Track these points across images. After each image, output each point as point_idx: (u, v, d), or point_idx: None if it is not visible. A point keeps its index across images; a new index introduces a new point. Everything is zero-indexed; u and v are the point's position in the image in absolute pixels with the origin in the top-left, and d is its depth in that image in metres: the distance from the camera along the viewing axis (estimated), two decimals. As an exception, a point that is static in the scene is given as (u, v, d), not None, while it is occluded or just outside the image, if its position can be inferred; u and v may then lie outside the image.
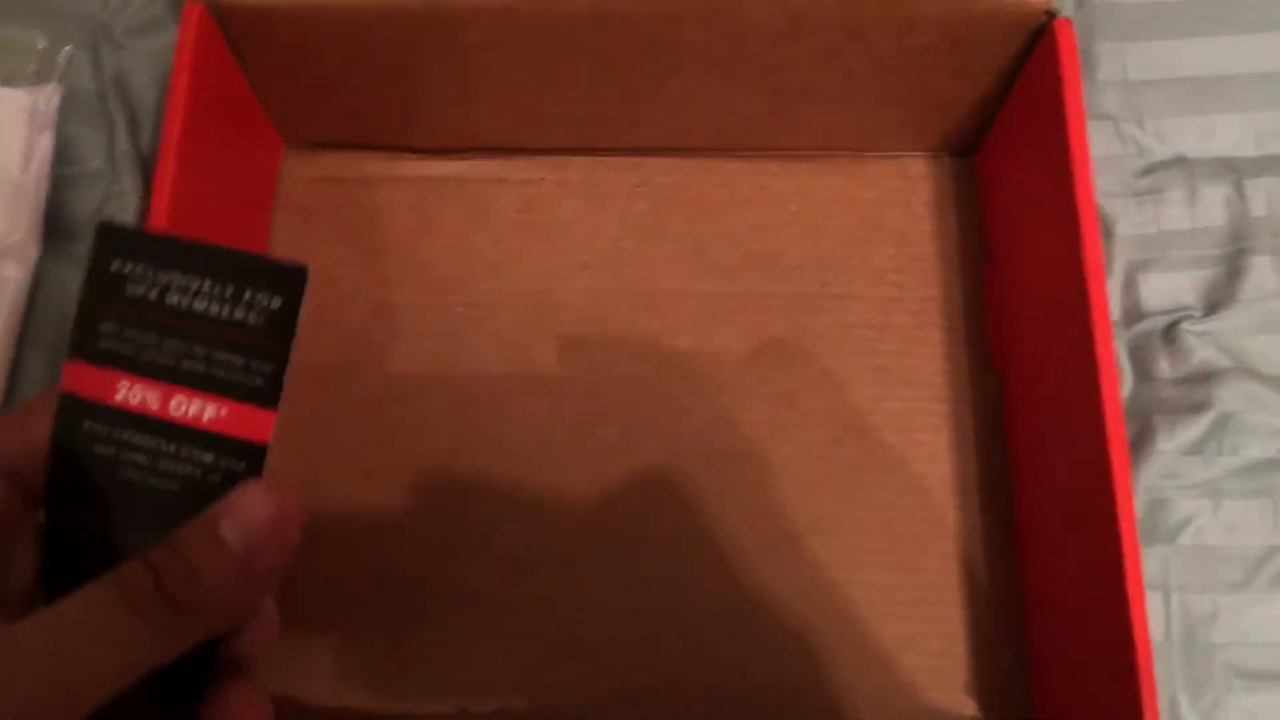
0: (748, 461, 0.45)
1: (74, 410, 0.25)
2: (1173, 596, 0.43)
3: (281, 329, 0.24)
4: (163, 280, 0.24)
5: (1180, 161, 0.49)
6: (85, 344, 0.25)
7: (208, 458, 0.24)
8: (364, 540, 0.44)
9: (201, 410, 0.24)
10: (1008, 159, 0.45)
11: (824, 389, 0.46)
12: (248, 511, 0.23)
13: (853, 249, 0.48)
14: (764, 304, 0.47)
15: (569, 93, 0.45)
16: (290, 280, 0.24)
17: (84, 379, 0.25)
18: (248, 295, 0.24)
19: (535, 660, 0.43)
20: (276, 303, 0.24)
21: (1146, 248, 0.48)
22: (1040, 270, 0.41)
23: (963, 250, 0.48)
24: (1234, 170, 0.49)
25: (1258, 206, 0.48)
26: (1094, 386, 0.36)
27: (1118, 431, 0.36)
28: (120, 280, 0.24)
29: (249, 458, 0.24)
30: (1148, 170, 0.49)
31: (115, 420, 0.25)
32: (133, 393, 0.24)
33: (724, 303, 0.47)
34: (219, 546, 0.23)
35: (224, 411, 0.24)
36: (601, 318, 0.47)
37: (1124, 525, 0.35)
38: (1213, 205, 0.48)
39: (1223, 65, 0.51)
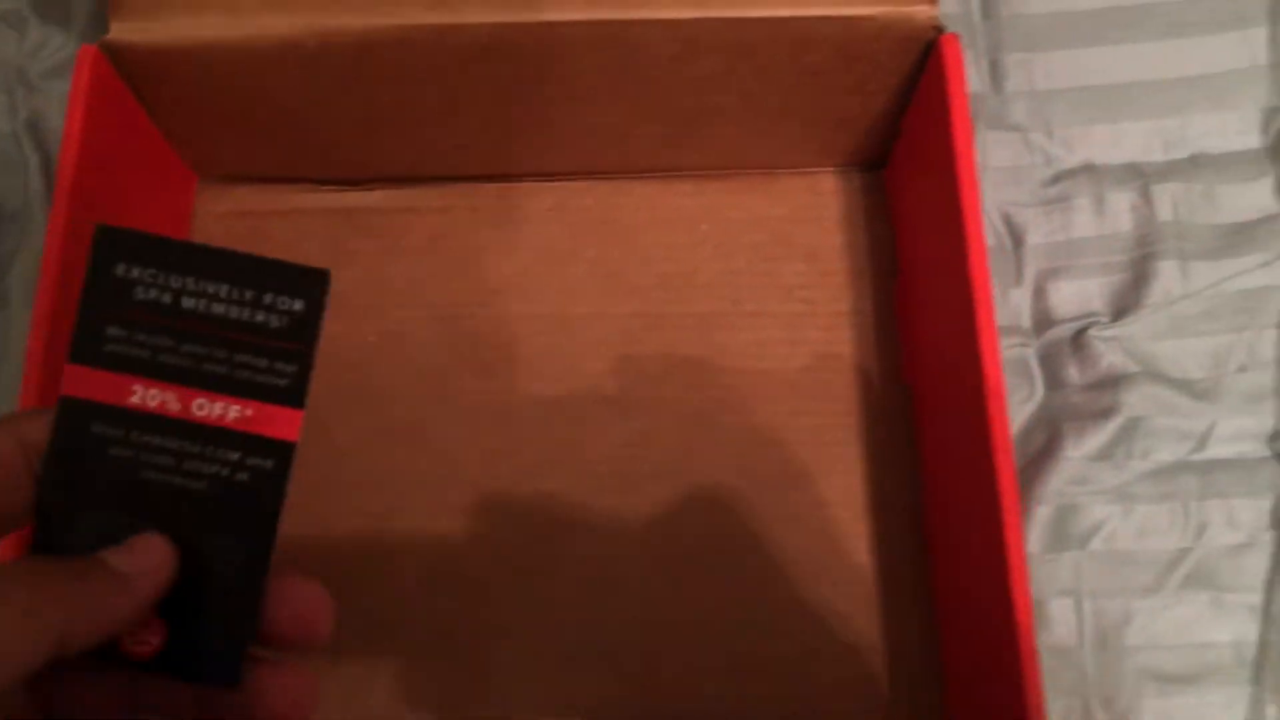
0: (663, 481, 0.45)
1: (80, 414, 0.25)
2: (1085, 602, 0.44)
3: (305, 331, 0.25)
4: (176, 284, 0.25)
5: (1088, 169, 0.50)
6: (89, 348, 0.25)
7: (234, 456, 0.25)
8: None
9: (226, 411, 0.25)
10: (910, 172, 0.46)
11: (737, 406, 0.46)
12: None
13: (764, 266, 0.49)
14: (677, 324, 0.48)
15: (473, 121, 0.45)
16: (311, 283, 0.25)
17: (91, 383, 0.25)
18: (268, 299, 0.25)
19: (445, 686, 0.43)
20: (298, 305, 0.25)
21: (1056, 256, 0.49)
22: (936, 282, 0.42)
23: (873, 264, 0.48)
24: (1141, 176, 0.49)
25: (1164, 211, 0.48)
26: (980, 398, 0.36)
27: (1004, 443, 0.36)
28: (127, 285, 0.25)
29: (277, 455, 0.25)
30: (1056, 179, 0.50)
31: (132, 423, 0.25)
32: (150, 395, 0.25)
33: (637, 324, 0.48)
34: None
35: (249, 411, 0.25)
36: (516, 342, 0.47)
37: (1010, 535, 0.35)
38: (1120, 211, 0.49)
39: (1129, 72, 0.51)
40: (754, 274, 0.48)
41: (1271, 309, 0.47)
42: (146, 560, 0.24)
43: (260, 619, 0.25)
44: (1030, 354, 0.47)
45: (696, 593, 0.44)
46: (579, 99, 0.44)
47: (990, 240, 0.49)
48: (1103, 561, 0.44)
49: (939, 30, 0.41)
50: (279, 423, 0.25)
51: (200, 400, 0.25)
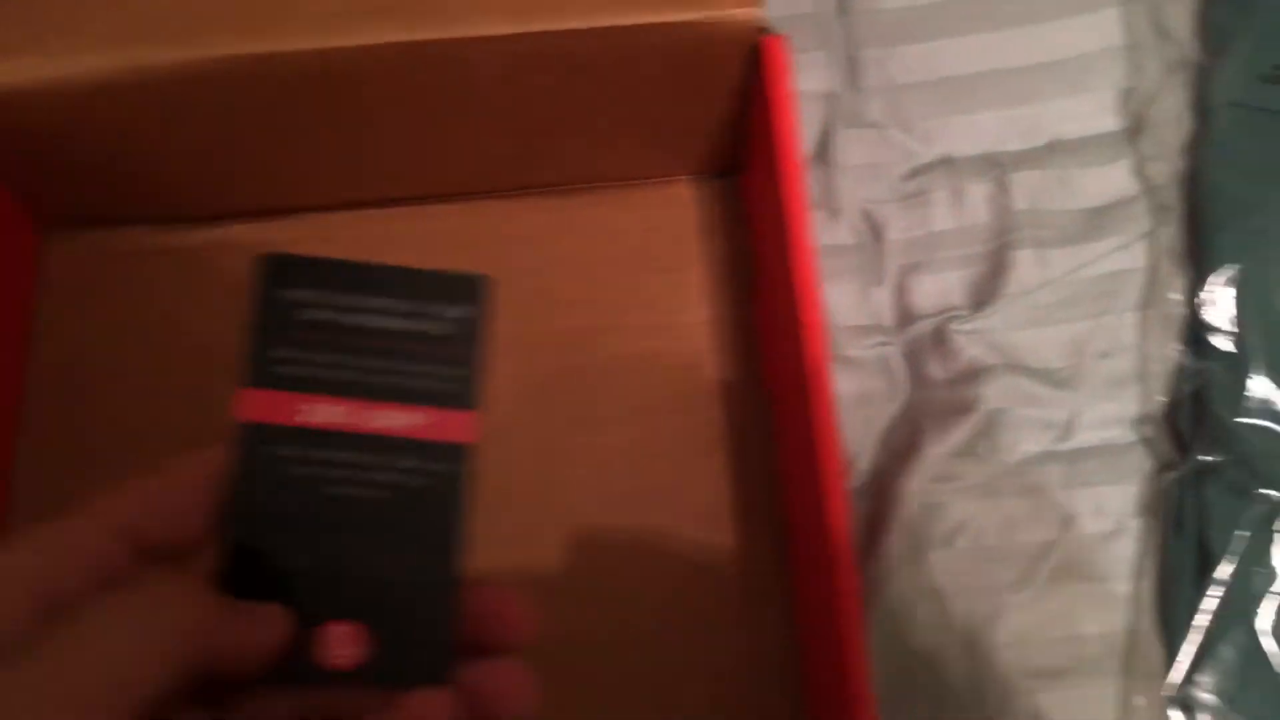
0: (524, 503, 0.44)
1: (259, 438, 0.25)
2: (951, 602, 0.43)
3: (469, 335, 0.26)
4: (339, 302, 0.26)
5: (945, 162, 0.49)
6: (262, 372, 0.26)
7: (412, 463, 0.26)
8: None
9: (399, 420, 0.26)
10: (758, 177, 0.45)
11: (600, 423, 0.46)
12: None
13: (623, 280, 0.48)
14: (536, 343, 0.47)
15: (310, 150, 0.44)
16: (472, 290, 0.27)
17: (266, 406, 0.26)
18: (431, 309, 0.26)
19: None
20: (460, 312, 0.26)
21: (916, 251, 0.48)
22: (778, 286, 0.41)
23: (732, 271, 0.48)
24: (997, 166, 0.49)
25: (1020, 200, 0.48)
26: (806, 401, 0.36)
27: (830, 450, 0.35)
28: (293, 307, 0.26)
29: (454, 458, 0.26)
30: (914, 174, 0.49)
31: (309, 441, 0.26)
32: (324, 412, 0.26)
33: (495, 345, 0.47)
34: None
35: (422, 418, 0.26)
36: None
37: (836, 542, 0.34)
38: (977, 202, 0.48)
39: (984, 62, 0.51)
40: (613, 288, 0.48)
41: (1130, 292, 0.46)
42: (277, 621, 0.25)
43: (461, 618, 0.26)
44: (893, 352, 0.46)
45: (558, 614, 0.43)
46: (415, 122, 0.43)
47: (851, 239, 0.48)
48: (969, 559, 0.43)
49: (763, 31, 0.40)
50: (453, 426, 0.26)
51: (373, 412, 0.26)
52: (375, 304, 0.26)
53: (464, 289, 0.27)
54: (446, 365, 0.26)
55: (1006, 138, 0.49)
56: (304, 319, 0.26)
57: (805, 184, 0.38)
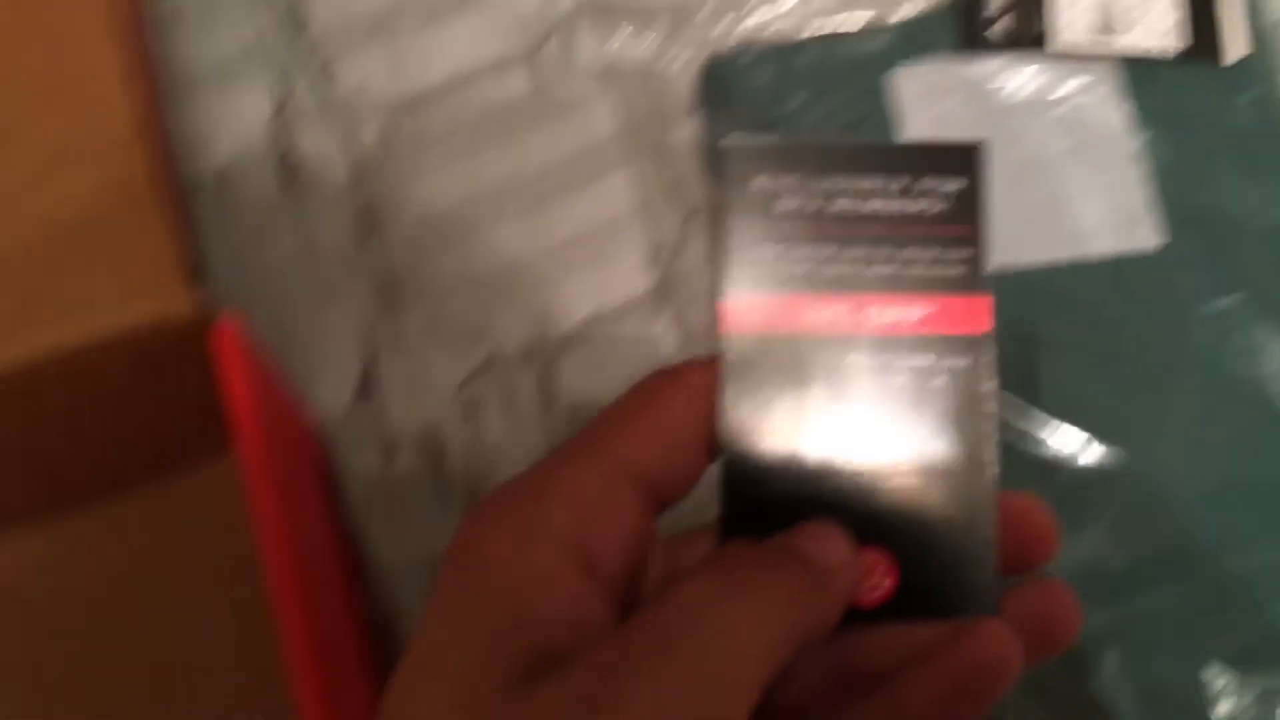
0: None
1: (750, 349, 0.22)
2: None
3: (970, 209, 0.23)
4: (819, 188, 0.23)
5: (491, 362, 0.47)
6: (741, 276, 0.23)
7: (925, 361, 0.23)
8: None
9: (905, 314, 0.23)
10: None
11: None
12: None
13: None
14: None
15: None
16: (968, 158, 0.23)
17: (754, 313, 0.22)
18: (923, 184, 0.23)
19: None
20: (955, 185, 0.23)
21: (481, 467, 0.46)
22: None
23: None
24: (542, 354, 0.47)
25: (567, 383, 0.46)
26: None
27: None
28: (767, 198, 0.23)
29: (974, 351, 0.23)
30: (466, 381, 0.47)
31: (807, 348, 0.22)
32: (820, 313, 0.22)
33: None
34: None
35: (931, 309, 0.23)
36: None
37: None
38: (530, 397, 0.46)
39: (511, 253, 0.49)
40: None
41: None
42: (840, 550, 0.22)
43: (999, 534, 0.22)
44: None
45: None
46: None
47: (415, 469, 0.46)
48: None
49: (206, 319, 0.37)
50: (966, 315, 0.23)
51: (875, 308, 0.23)
52: (861, 186, 0.23)
53: (958, 160, 0.23)
54: (950, 246, 0.23)
55: (549, 323, 0.48)
56: (782, 210, 0.23)
57: (272, 466, 0.35)
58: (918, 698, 0.22)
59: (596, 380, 0.47)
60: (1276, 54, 0.50)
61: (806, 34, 0.50)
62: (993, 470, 0.23)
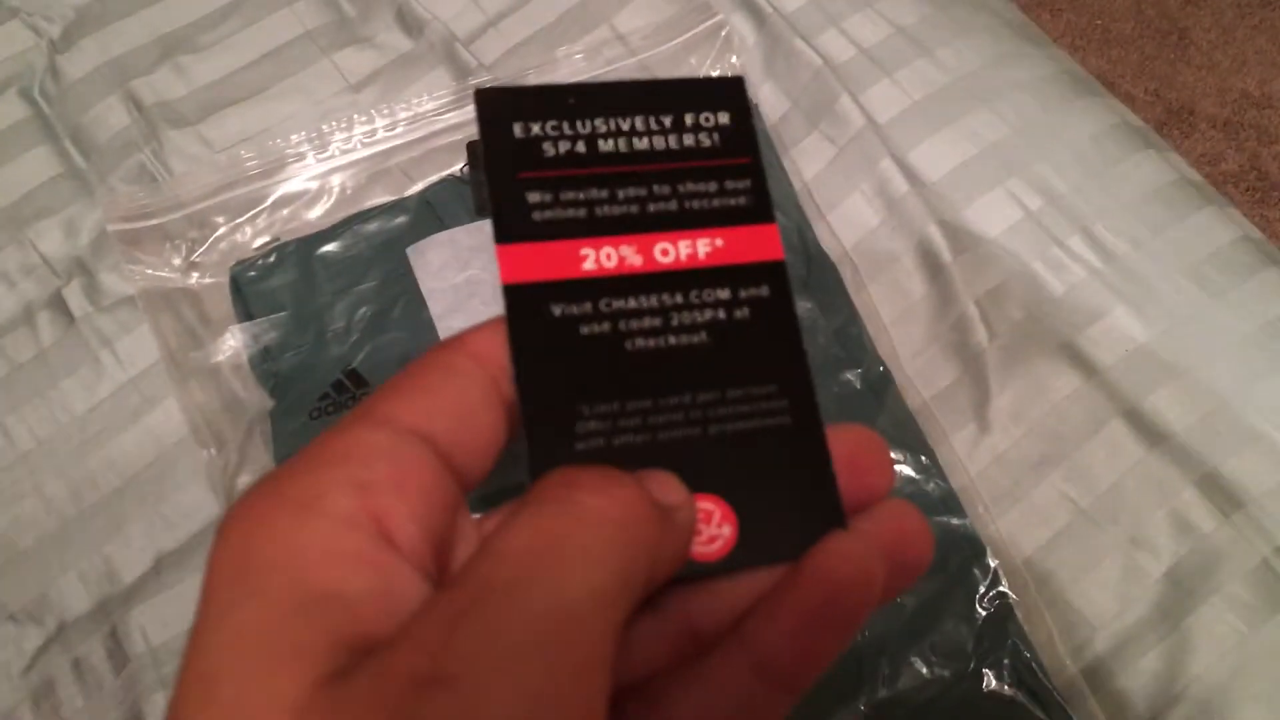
0: None
1: (532, 299, 0.20)
2: None
3: (742, 141, 0.22)
4: (585, 130, 0.21)
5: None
6: (515, 223, 0.21)
7: (724, 294, 0.21)
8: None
9: (694, 248, 0.21)
10: None
11: None
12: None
13: None
14: None
15: None
16: (731, 91, 0.22)
17: (532, 261, 0.20)
18: (689, 119, 0.22)
19: None
20: (724, 118, 0.22)
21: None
22: None
23: None
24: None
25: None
26: None
27: None
28: (531, 144, 0.21)
29: (770, 278, 0.21)
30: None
31: (596, 291, 0.20)
32: (605, 255, 0.21)
33: None
34: None
35: (720, 241, 0.21)
36: None
37: None
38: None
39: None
40: None
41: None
42: (678, 491, 0.19)
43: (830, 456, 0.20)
44: None
45: None
46: None
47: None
48: None
49: None
50: (756, 243, 0.22)
51: (662, 244, 0.21)
52: (628, 125, 0.22)
53: (722, 93, 0.22)
54: (728, 178, 0.22)
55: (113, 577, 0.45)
56: (550, 155, 0.21)
57: None
58: (772, 634, 0.19)
59: (178, 623, 0.45)
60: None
61: (329, 221, 0.49)
62: (812, 395, 0.21)
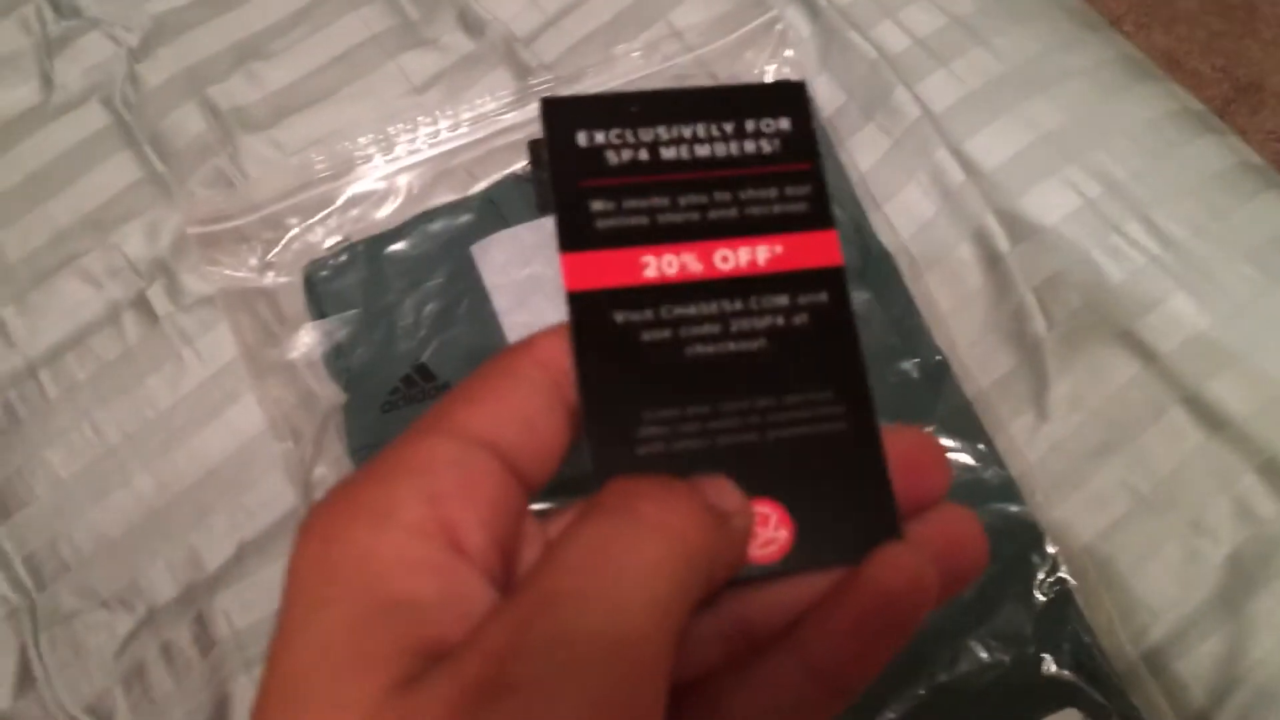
0: None
1: (596, 306, 0.21)
2: None
3: (803, 146, 0.22)
4: (648, 138, 0.22)
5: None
6: (579, 232, 0.21)
7: (783, 300, 0.21)
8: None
9: (754, 255, 0.21)
10: None
11: None
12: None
13: None
14: None
15: None
16: (792, 96, 0.22)
17: (595, 269, 0.21)
18: (750, 126, 0.22)
19: None
20: (785, 123, 0.22)
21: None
22: None
23: None
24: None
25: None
26: None
27: None
28: (595, 152, 0.21)
29: (829, 284, 0.22)
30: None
31: (657, 299, 0.21)
32: (666, 263, 0.21)
33: None
34: None
35: (779, 248, 0.22)
36: None
37: None
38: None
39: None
40: None
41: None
42: (735, 497, 0.19)
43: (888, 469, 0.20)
44: None
45: None
46: None
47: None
48: None
49: None
50: (815, 249, 0.22)
51: (722, 251, 0.21)
52: (690, 132, 0.22)
53: (783, 99, 0.22)
54: (789, 184, 0.22)
55: (198, 565, 0.47)
56: (614, 164, 0.22)
57: None
58: (826, 639, 0.19)
59: (260, 608, 0.47)
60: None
61: (396, 221, 0.51)
62: (869, 401, 0.21)
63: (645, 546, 0.17)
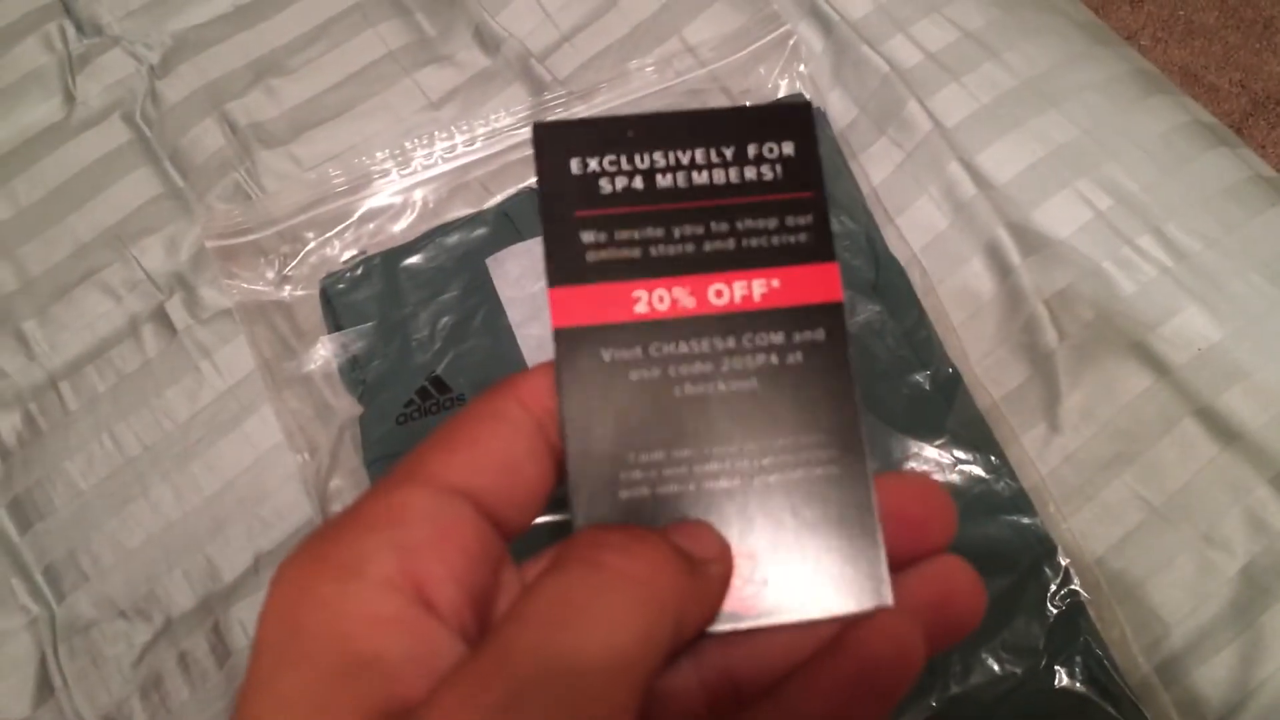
0: None
1: (583, 343, 0.20)
2: None
3: (806, 173, 0.21)
4: (643, 164, 0.21)
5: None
6: (569, 266, 0.20)
7: (778, 338, 0.20)
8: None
9: (749, 289, 0.20)
10: None
11: None
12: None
13: None
14: None
15: None
16: (797, 119, 0.21)
17: (584, 304, 0.20)
18: (752, 150, 0.21)
19: None
20: (789, 148, 0.21)
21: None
22: None
23: None
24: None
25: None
26: None
27: None
28: (588, 180, 0.21)
29: (827, 321, 0.20)
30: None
31: (647, 336, 0.20)
32: (656, 298, 0.20)
33: None
34: None
35: (776, 282, 0.21)
36: None
37: None
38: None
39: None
40: None
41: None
42: (713, 544, 0.19)
43: (885, 517, 0.20)
44: None
45: None
46: None
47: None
48: None
49: None
50: (815, 283, 0.21)
51: (717, 285, 0.20)
52: (687, 158, 0.21)
53: (787, 121, 0.21)
54: (789, 213, 0.21)
55: (215, 576, 0.48)
56: (606, 192, 0.21)
57: None
58: (812, 701, 0.19)
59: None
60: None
61: (412, 234, 0.51)
62: (864, 449, 0.20)
63: (608, 598, 0.17)
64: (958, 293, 0.49)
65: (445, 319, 0.49)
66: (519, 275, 0.49)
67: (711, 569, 0.19)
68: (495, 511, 0.19)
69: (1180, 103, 0.53)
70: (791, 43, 0.54)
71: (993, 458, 0.45)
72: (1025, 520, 0.43)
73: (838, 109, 0.54)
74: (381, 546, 0.18)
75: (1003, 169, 0.51)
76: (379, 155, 0.52)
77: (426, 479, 0.19)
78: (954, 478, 0.44)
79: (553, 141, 0.21)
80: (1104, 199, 0.49)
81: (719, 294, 0.21)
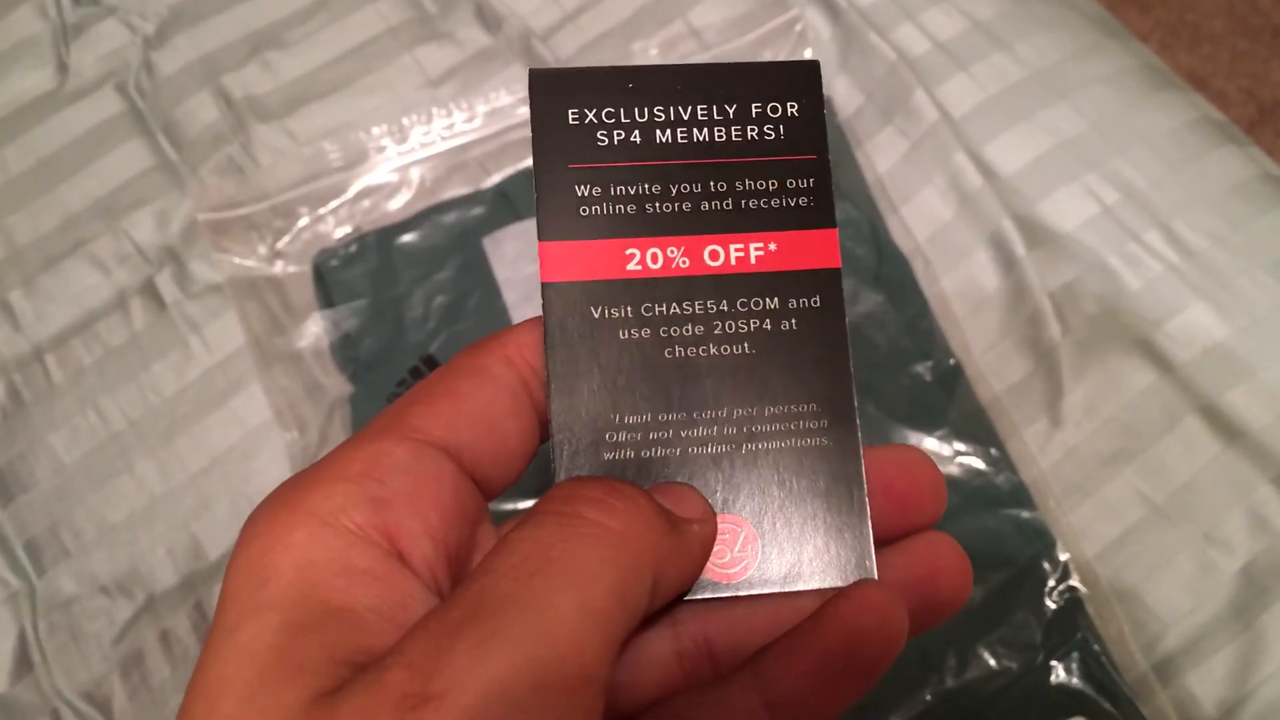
0: None
1: (573, 300, 0.19)
2: None
3: (810, 135, 0.20)
4: (641, 119, 0.20)
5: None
6: (561, 220, 0.20)
7: (773, 303, 0.20)
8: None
9: (745, 252, 0.20)
10: None
11: None
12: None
13: None
14: None
15: None
16: (804, 77, 0.20)
17: (575, 260, 0.19)
18: (756, 109, 0.20)
19: None
20: (794, 108, 0.20)
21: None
22: None
23: None
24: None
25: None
26: None
27: None
28: (585, 131, 0.20)
29: (823, 288, 0.20)
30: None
31: (639, 295, 0.20)
32: (650, 257, 0.20)
33: None
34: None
35: (774, 245, 0.20)
36: None
37: None
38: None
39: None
40: None
41: None
42: (697, 505, 0.19)
43: (871, 491, 0.19)
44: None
45: None
46: None
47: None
48: None
49: None
50: (813, 249, 0.20)
51: (712, 246, 0.20)
52: (688, 113, 0.20)
53: (793, 80, 0.21)
54: (790, 176, 0.20)
55: (198, 554, 0.47)
56: (604, 145, 0.20)
57: None
58: (788, 674, 0.19)
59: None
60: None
61: (408, 212, 0.50)
62: (855, 420, 0.20)
63: (581, 552, 0.16)
64: (962, 284, 0.49)
65: (440, 298, 0.48)
66: (516, 256, 0.48)
67: (693, 529, 0.19)
68: (475, 468, 0.19)
69: (1189, 99, 0.53)
70: (798, 28, 0.54)
71: (993, 450, 0.44)
72: (1025, 514, 0.43)
73: (844, 96, 0.54)
74: (355, 497, 0.17)
75: (1009, 161, 0.50)
76: (376, 132, 0.51)
77: (405, 431, 0.18)
78: (953, 469, 0.43)
79: (550, 90, 0.21)
80: (1111, 193, 0.49)
81: (714, 255, 0.20)
